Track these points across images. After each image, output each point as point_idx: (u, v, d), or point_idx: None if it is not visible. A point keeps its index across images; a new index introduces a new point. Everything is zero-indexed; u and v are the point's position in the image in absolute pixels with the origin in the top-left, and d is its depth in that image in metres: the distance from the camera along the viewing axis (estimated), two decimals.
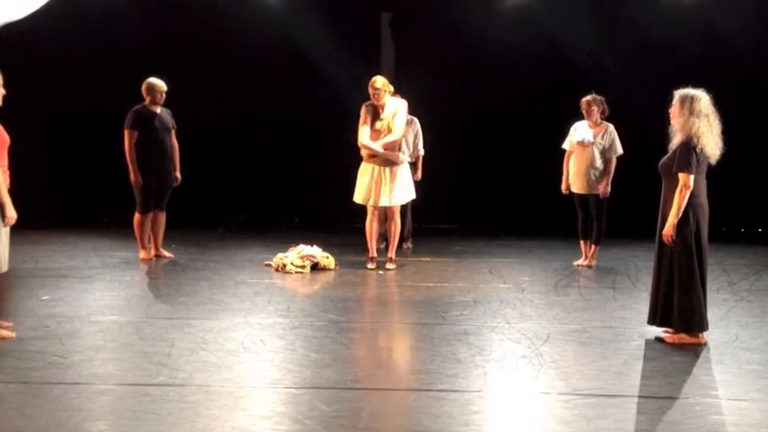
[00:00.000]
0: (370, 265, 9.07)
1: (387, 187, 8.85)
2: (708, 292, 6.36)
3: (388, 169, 8.85)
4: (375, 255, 9.17)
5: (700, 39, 11.44)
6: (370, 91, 8.77)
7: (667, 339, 6.31)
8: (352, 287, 8.33)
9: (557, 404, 5.02)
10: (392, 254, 9.17)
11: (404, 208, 9.68)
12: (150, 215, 9.27)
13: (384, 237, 9.73)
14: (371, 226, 9.07)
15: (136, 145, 9.07)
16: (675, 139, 6.21)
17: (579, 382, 5.39)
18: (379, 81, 8.78)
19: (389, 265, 9.08)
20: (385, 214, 9.37)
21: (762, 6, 11.28)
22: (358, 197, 9.01)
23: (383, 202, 8.91)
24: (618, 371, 5.65)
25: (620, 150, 9.16)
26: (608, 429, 4.62)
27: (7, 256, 6.20)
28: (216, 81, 11.78)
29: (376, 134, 8.78)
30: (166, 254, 9.50)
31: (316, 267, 8.94)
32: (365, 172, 8.93)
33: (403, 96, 9.13)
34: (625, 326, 6.81)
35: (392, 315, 7.66)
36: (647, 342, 6.33)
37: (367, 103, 8.86)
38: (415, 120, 10.16)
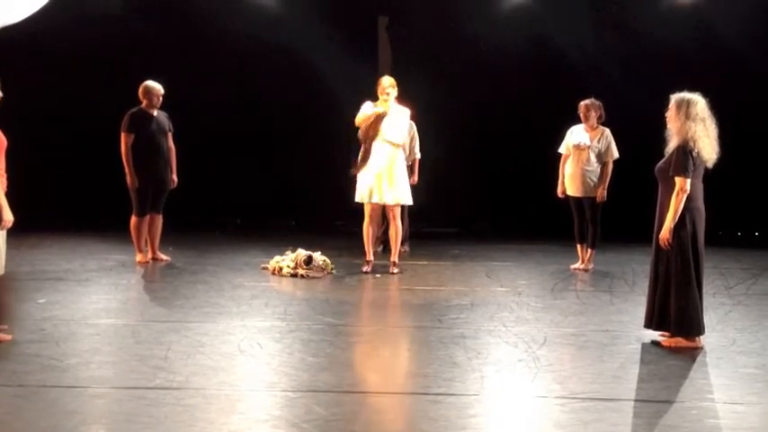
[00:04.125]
0: (366, 268, 9.05)
1: (387, 183, 8.78)
2: (704, 295, 6.37)
3: (387, 168, 8.81)
4: (372, 258, 9.14)
5: (697, 42, 11.46)
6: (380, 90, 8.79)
7: (664, 343, 6.31)
8: (348, 290, 8.33)
9: (554, 408, 5.02)
10: (395, 257, 9.07)
11: (402, 211, 9.66)
12: (147, 218, 9.27)
13: (381, 240, 9.72)
14: (368, 229, 9.04)
15: (132, 148, 9.08)
16: (672, 143, 6.22)
17: (576, 385, 5.39)
18: (386, 80, 8.86)
19: (394, 269, 9.00)
20: (382, 217, 9.38)
21: (759, 8, 11.29)
22: (358, 196, 8.97)
23: (377, 199, 8.81)
24: (615, 374, 5.65)
25: (616, 154, 9.17)
26: None
27: (4, 259, 6.19)
28: (213, 84, 11.78)
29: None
30: (163, 257, 9.49)
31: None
32: (367, 172, 8.89)
33: (400, 99, 9.11)
34: (622, 329, 6.81)
35: (389, 318, 7.66)
36: (644, 346, 6.33)
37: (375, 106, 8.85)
38: (412, 123, 10.16)
